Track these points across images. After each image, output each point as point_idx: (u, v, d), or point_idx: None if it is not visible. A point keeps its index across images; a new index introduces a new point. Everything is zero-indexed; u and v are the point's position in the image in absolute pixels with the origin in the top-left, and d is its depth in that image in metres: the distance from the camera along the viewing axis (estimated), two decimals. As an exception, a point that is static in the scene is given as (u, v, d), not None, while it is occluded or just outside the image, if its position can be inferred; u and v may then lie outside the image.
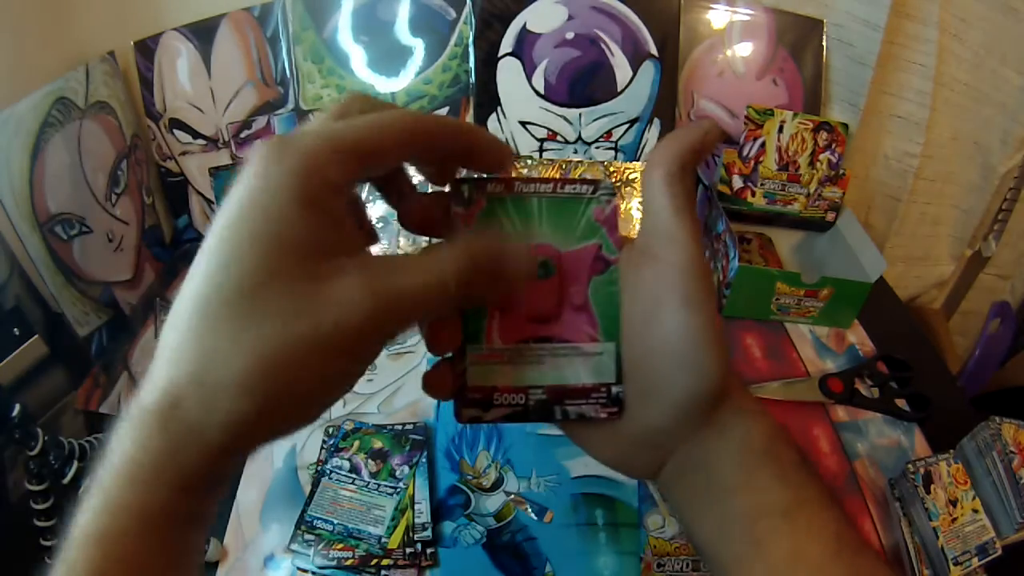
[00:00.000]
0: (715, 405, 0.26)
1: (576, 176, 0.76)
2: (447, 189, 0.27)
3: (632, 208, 0.76)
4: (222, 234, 0.21)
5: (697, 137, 0.27)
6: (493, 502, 0.51)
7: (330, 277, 0.21)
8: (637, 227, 0.80)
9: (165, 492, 0.21)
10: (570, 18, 0.75)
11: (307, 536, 0.48)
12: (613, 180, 0.76)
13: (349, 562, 0.47)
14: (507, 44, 0.76)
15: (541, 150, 0.78)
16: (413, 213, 0.27)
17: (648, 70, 0.76)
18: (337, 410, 0.58)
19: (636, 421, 0.27)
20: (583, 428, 0.28)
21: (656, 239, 0.26)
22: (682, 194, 0.26)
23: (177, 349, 0.21)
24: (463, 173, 0.27)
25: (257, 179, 0.21)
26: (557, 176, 0.28)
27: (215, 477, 0.22)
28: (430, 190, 0.28)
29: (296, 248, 0.20)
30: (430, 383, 0.27)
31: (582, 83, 0.76)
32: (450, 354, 0.27)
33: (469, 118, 0.78)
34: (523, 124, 0.77)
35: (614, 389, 0.27)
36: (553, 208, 0.27)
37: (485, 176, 0.27)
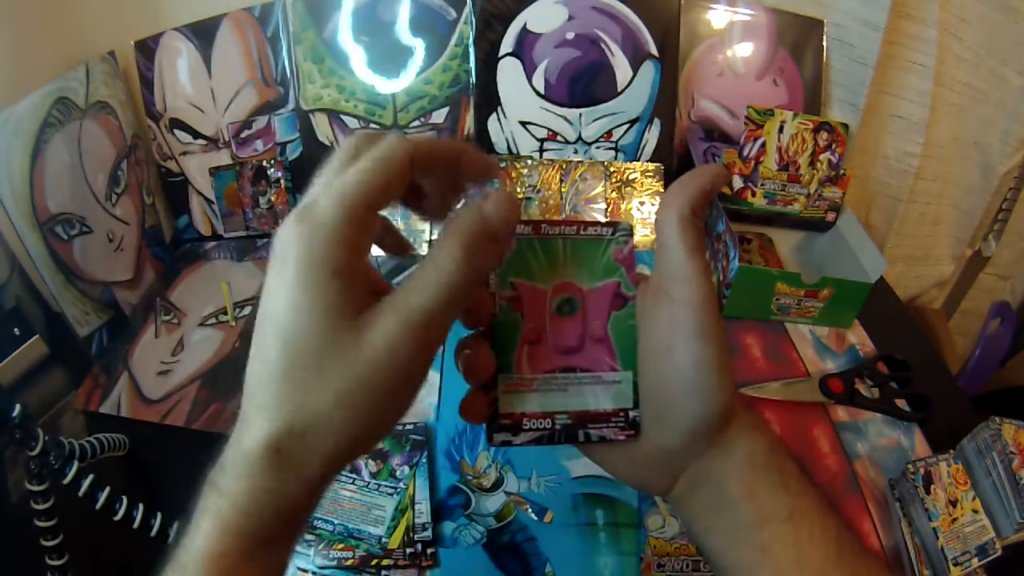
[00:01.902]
0: (723, 427, 0.29)
1: (577, 174, 0.76)
2: None
3: (632, 208, 0.76)
4: (277, 311, 0.25)
5: (708, 181, 0.29)
6: (493, 502, 0.51)
7: (368, 327, 0.24)
8: (636, 227, 0.80)
9: (271, 519, 0.25)
10: (570, 18, 0.75)
11: (307, 536, 0.48)
12: (612, 180, 0.76)
13: (349, 562, 0.47)
14: (507, 44, 0.76)
15: (541, 150, 0.78)
16: None
17: (648, 70, 0.76)
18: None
19: (651, 442, 0.30)
20: (603, 449, 0.31)
21: (670, 278, 0.28)
22: (694, 235, 0.28)
23: (268, 408, 0.25)
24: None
25: (291, 261, 0.24)
26: (577, 220, 0.31)
27: (313, 504, 0.27)
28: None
29: (337, 312, 0.24)
30: (466, 409, 0.30)
31: (582, 83, 0.76)
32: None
33: (469, 118, 0.78)
34: (523, 124, 0.77)
35: (631, 413, 0.30)
36: (576, 249, 0.30)
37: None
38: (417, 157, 0.26)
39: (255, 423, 0.25)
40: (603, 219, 0.74)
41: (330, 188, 0.25)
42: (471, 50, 0.76)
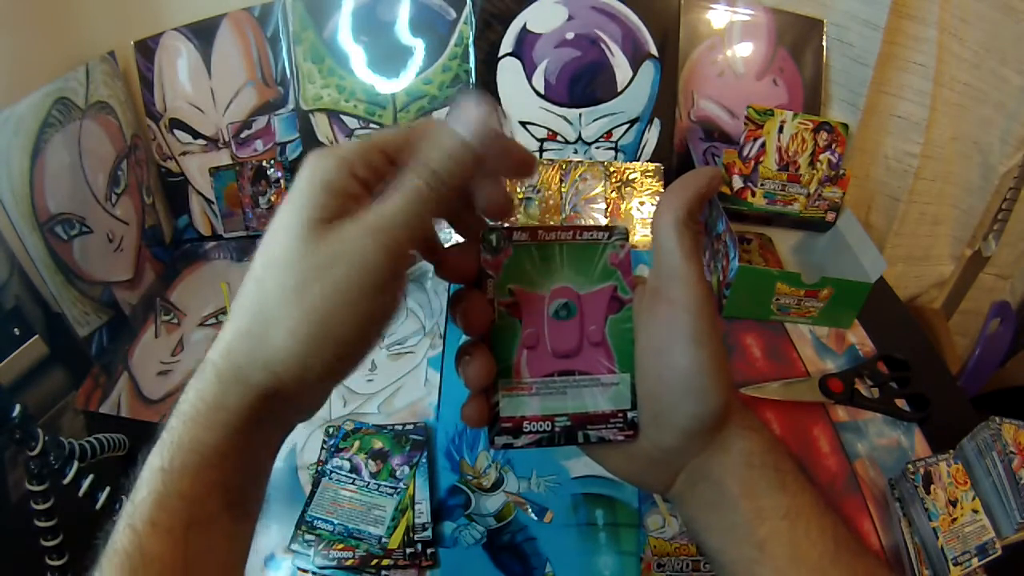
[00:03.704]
0: (719, 426, 0.29)
1: (577, 174, 0.76)
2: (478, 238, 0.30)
3: (632, 208, 0.76)
4: (274, 223, 0.26)
5: (703, 184, 0.29)
6: (493, 502, 0.51)
7: (334, 232, 0.25)
8: (636, 227, 0.79)
9: (219, 432, 0.25)
10: (570, 18, 0.75)
11: (307, 536, 0.48)
12: (612, 180, 0.76)
13: (349, 562, 0.47)
14: (507, 44, 0.76)
15: (541, 150, 0.78)
16: (447, 264, 0.29)
17: (648, 70, 0.76)
18: (337, 410, 0.58)
19: (650, 442, 0.30)
20: (603, 449, 0.32)
21: (667, 281, 0.29)
22: (690, 239, 0.29)
23: (236, 313, 0.26)
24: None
25: (298, 178, 0.26)
26: (573, 225, 0.32)
27: (260, 418, 0.26)
28: (454, 240, 0.31)
29: (313, 218, 0.25)
30: (468, 414, 0.30)
31: (582, 83, 0.76)
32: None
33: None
34: (523, 124, 0.77)
35: (630, 414, 0.30)
36: (573, 254, 0.30)
37: (511, 227, 0.30)
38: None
39: (222, 331, 0.26)
40: (603, 220, 0.74)
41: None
42: (471, 50, 0.76)
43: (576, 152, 0.78)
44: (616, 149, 0.78)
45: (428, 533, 0.49)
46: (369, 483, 0.51)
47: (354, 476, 0.52)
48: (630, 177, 0.76)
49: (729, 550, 0.29)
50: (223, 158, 0.79)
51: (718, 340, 0.28)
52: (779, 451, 0.30)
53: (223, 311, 0.69)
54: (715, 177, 0.30)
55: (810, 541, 0.28)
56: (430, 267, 0.29)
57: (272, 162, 0.78)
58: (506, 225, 0.29)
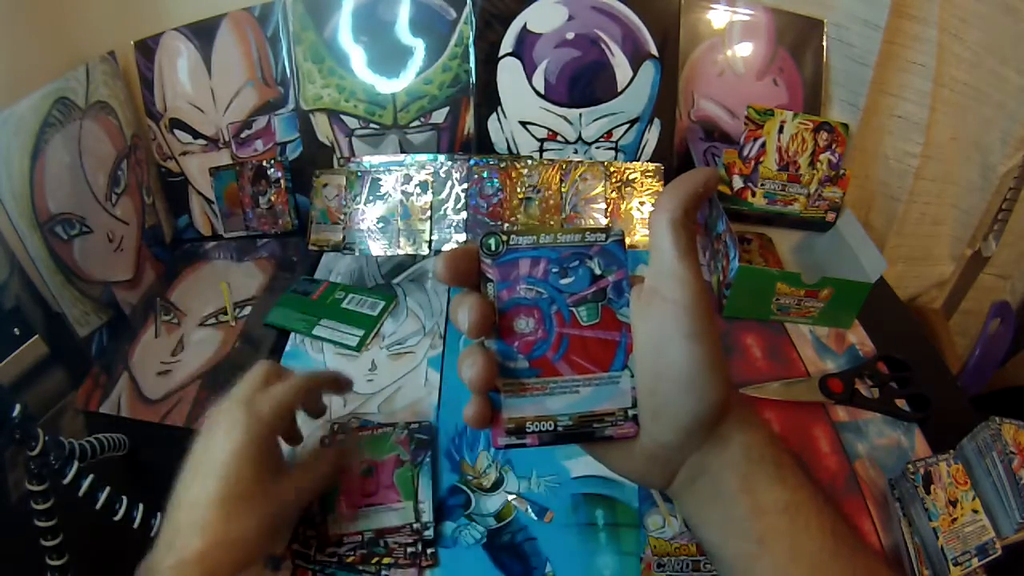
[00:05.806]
0: (718, 421, 0.30)
1: (577, 174, 0.76)
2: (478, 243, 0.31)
3: (632, 208, 0.76)
4: (216, 462, 0.39)
5: (700, 183, 0.30)
6: (493, 502, 0.51)
7: (277, 489, 0.41)
8: (635, 228, 0.79)
9: None
10: (570, 18, 0.75)
11: (308, 534, 0.48)
12: (612, 180, 0.76)
13: (350, 560, 0.47)
14: (507, 44, 0.76)
15: (541, 150, 0.78)
16: (447, 268, 0.30)
17: (648, 70, 0.76)
18: (338, 410, 0.58)
19: (650, 438, 0.30)
20: (604, 447, 0.32)
21: (663, 279, 0.29)
22: (686, 237, 0.29)
23: (200, 528, 0.36)
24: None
25: (239, 430, 0.40)
26: (572, 228, 0.33)
27: None
28: (456, 245, 0.32)
29: (260, 475, 0.39)
30: (470, 416, 0.31)
31: (582, 83, 0.76)
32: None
33: (469, 118, 0.78)
34: (523, 124, 0.77)
35: (630, 412, 0.31)
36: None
37: (509, 232, 0.31)
38: (316, 382, 0.48)
39: (181, 540, 0.35)
40: (603, 220, 0.74)
41: (266, 394, 0.42)
42: (471, 50, 0.76)
43: (576, 152, 0.78)
44: (616, 149, 0.78)
45: (430, 533, 0.49)
46: (369, 483, 0.51)
47: (354, 476, 0.52)
48: (630, 177, 0.76)
49: (729, 545, 0.29)
50: (223, 158, 0.79)
51: (714, 337, 0.28)
52: (778, 446, 0.30)
53: (223, 311, 0.69)
54: (712, 177, 0.30)
55: (809, 535, 0.28)
56: (430, 267, 0.29)
57: (272, 162, 0.78)
58: (506, 227, 0.30)
